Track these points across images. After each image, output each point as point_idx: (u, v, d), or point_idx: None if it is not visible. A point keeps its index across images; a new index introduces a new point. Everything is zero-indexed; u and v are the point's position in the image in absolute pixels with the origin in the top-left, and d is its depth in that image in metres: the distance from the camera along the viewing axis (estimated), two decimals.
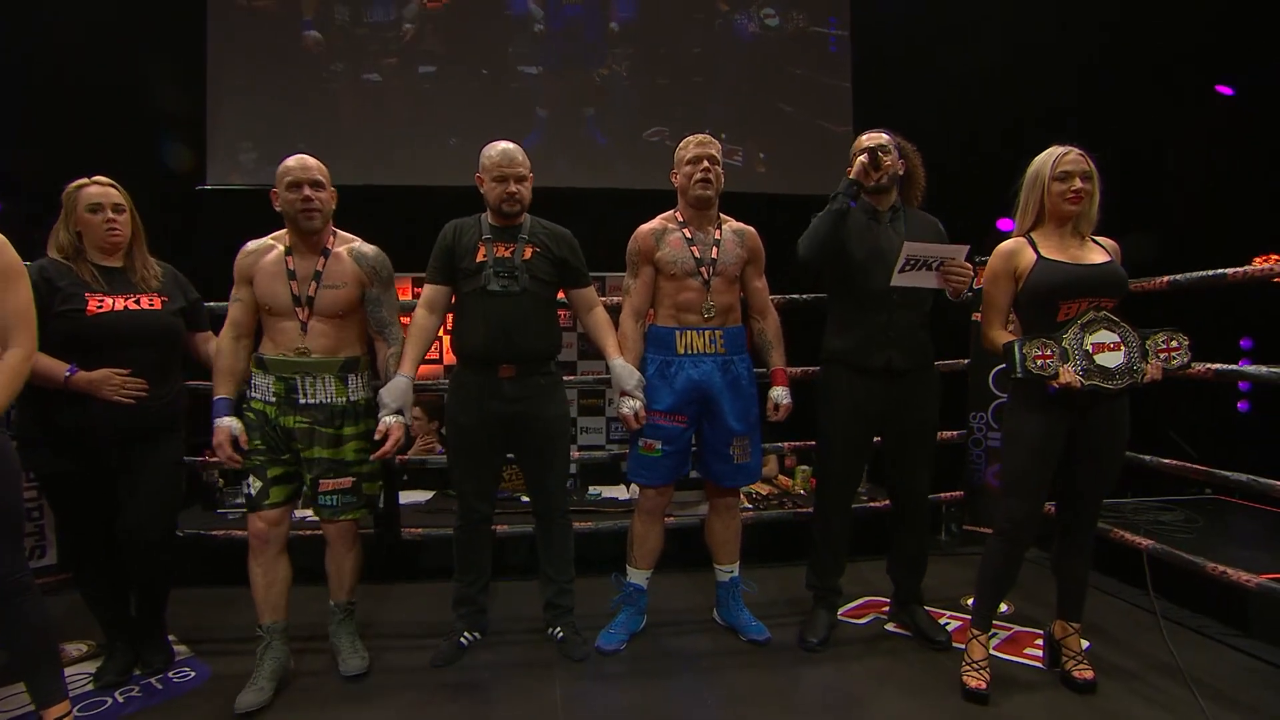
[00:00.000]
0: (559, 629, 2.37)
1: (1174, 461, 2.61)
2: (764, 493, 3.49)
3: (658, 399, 2.30)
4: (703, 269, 2.29)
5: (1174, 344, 1.90)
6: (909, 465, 2.35)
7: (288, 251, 2.13)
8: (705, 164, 2.27)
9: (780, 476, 3.68)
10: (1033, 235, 2.02)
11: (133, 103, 4.00)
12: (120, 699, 2.05)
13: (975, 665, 2.06)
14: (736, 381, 2.34)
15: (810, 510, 2.69)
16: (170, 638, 2.33)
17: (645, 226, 2.37)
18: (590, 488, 3.65)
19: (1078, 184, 1.93)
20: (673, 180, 2.36)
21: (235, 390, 2.14)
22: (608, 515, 3.07)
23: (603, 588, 2.56)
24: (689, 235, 2.31)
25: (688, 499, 3.18)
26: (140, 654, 2.21)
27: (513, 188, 2.19)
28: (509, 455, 2.40)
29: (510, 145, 2.23)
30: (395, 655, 2.32)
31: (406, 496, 3.45)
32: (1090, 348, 1.88)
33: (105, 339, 2.02)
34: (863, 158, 2.17)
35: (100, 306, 2.03)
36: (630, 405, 2.25)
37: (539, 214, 2.34)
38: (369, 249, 2.23)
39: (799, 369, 2.85)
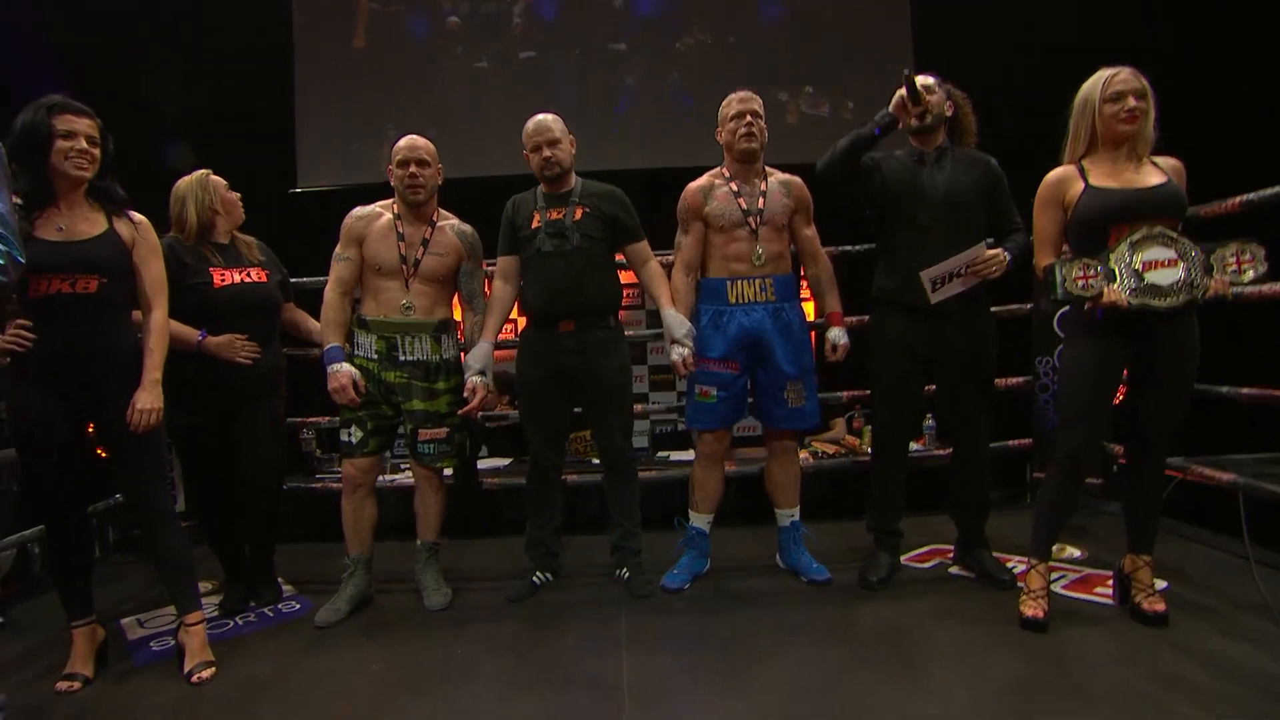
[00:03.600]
0: (625, 569, 2.50)
1: (1256, 390, 2.45)
2: (830, 453, 3.51)
3: (711, 347, 2.39)
4: (750, 219, 2.36)
5: (1246, 256, 1.81)
6: (965, 405, 2.34)
7: (397, 218, 2.37)
8: (748, 118, 2.34)
9: (848, 437, 3.68)
10: (1084, 163, 1.98)
11: (224, 111, 4.38)
12: (240, 622, 2.34)
13: (1033, 594, 2.04)
14: (788, 327, 2.40)
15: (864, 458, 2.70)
16: (279, 579, 2.60)
17: (693, 184, 2.46)
18: (659, 453, 3.79)
19: (1131, 103, 1.88)
20: (718, 139, 2.45)
21: (345, 339, 2.36)
22: (675, 469, 3.19)
23: (667, 543, 2.65)
24: (735, 189, 2.39)
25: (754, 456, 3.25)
26: (254, 590, 2.49)
27: (546, 153, 2.35)
28: (576, 410, 2.56)
29: (543, 115, 2.40)
30: (474, 595, 2.50)
31: (486, 464, 3.68)
32: (1140, 265, 1.83)
33: (228, 308, 2.33)
34: (901, 90, 2.17)
35: (224, 280, 2.34)
36: (679, 352, 2.35)
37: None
38: (467, 227, 2.49)
39: (854, 318, 2.86)
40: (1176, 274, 1.82)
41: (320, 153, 4.83)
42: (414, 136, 2.37)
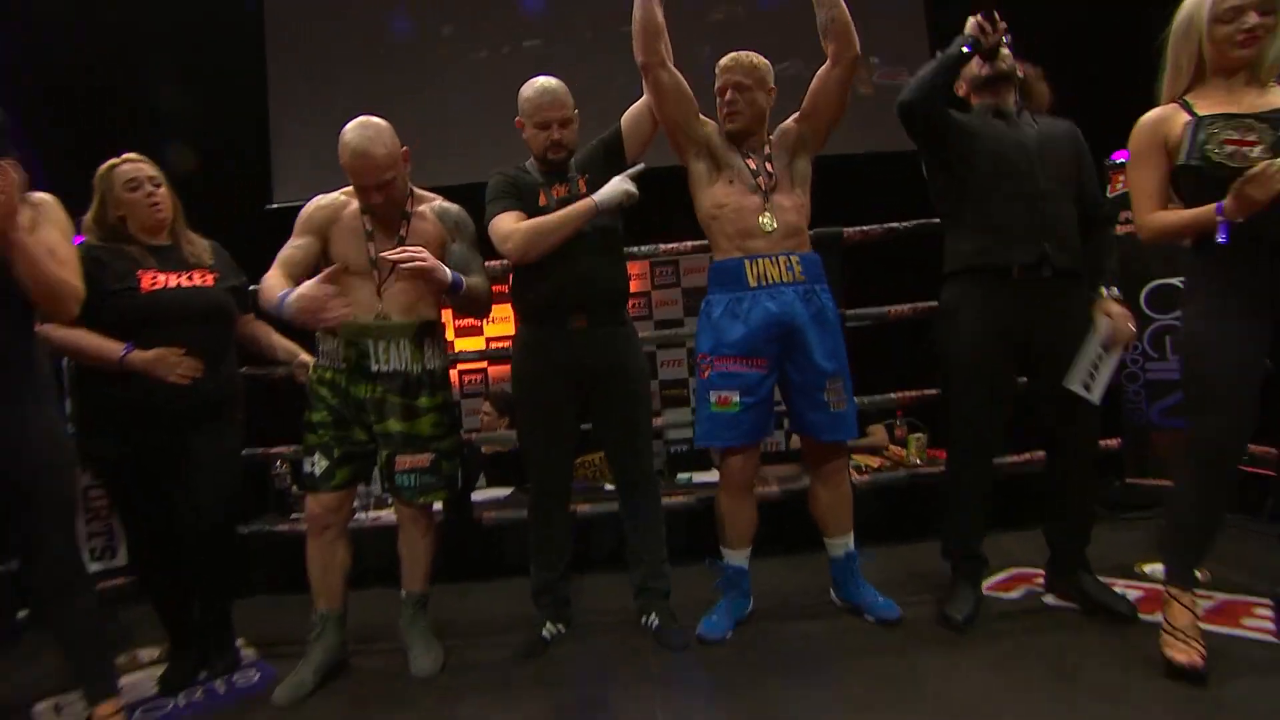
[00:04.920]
0: (653, 615, 2.07)
1: None
2: (875, 465, 3.09)
3: (729, 341, 1.97)
4: (760, 179, 1.99)
5: None
6: (1071, 397, 1.91)
7: (364, 210, 1.96)
8: (730, 94, 1.98)
9: (892, 447, 3.26)
10: (1186, 99, 1.62)
11: (195, 123, 4.05)
12: (182, 702, 1.91)
13: (1180, 634, 1.59)
14: (822, 313, 2.00)
15: (934, 476, 2.30)
16: (239, 641, 2.18)
17: None
18: (679, 475, 3.36)
19: (1253, 20, 1.52)
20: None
21: None
22: (700, 494, 2.77)
23: (698, 578, 2.24)
24: (744, 151, 2.02)
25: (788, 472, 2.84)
26: (205, 658, 2.06)
27: (556, 134, 1.97)
28: (584, 427, 2.14)
29: (550, 82, 1.99)
30: (473, 652, 2.08)
31: (484, 494, 3.26)
32: None
33: (161, 316, 1.94)
34: (976, 16, 1.83)
35: (155, 283, 1.95)
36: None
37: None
38: (453, 206, 2.05)
39: (907, 305, 2.48)
40: None
41: (296, 166, 4.48)
42: (360, 140, 1.83)
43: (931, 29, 4.24)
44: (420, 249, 1.83)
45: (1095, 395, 1.87)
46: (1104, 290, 1.91)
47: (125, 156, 2.02)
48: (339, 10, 4.49)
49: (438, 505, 2.13)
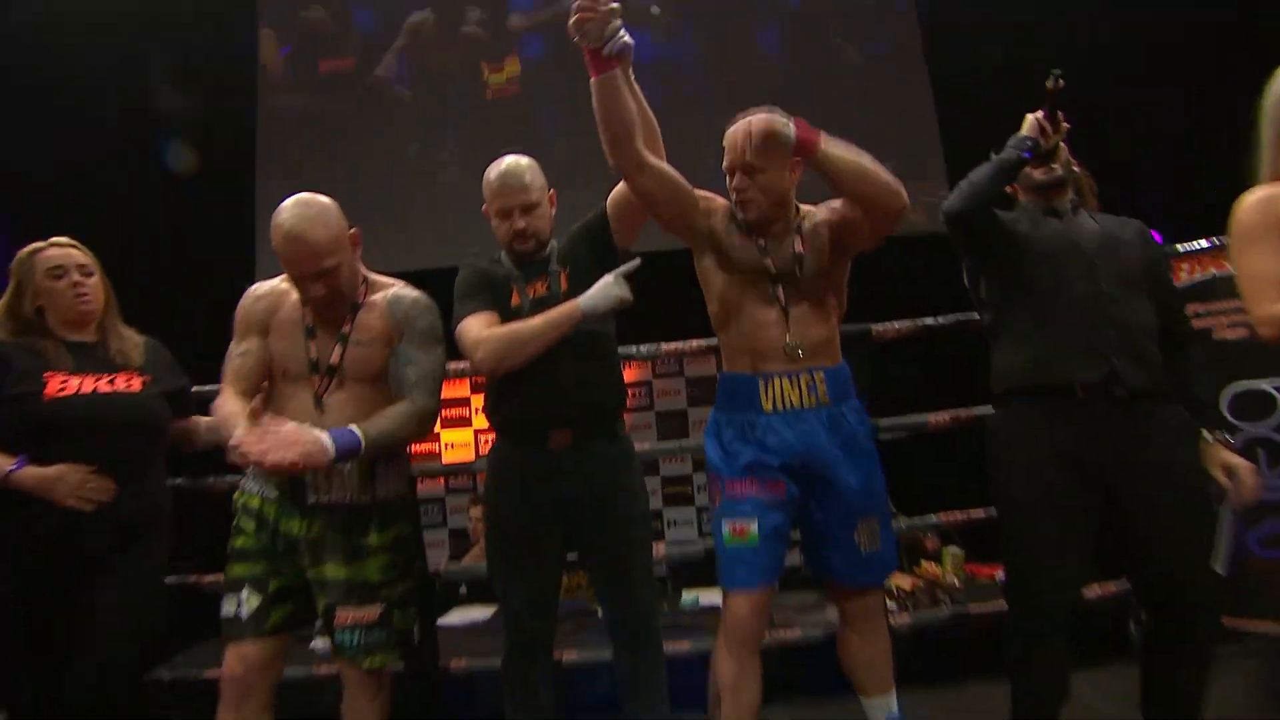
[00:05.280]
0: None
1: None
2: (906, 587, 2.69)
3: (738, 463, 1.62)
4: (779, 289, 1.65)
5: None
6: (1172, 543, 1.57)
7: (305, 302, 1.65)
8: (738, 178, 1.64)
9: (925, 563, 2.88)
10: None
11: (178, 201, 3.89)
12: None
13: None
14: (851, 440, 1.65)
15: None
16: None
17: None
18: (684, 593, 2.96)
19: None
20: None
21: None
22: (709, 631, 2.38)
23: None
24: (762, 245, 1.67)
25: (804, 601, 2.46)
26: None
27: (520, 224, 1.69)
28: (570, 558, 1.81)
29: (516, 164, 1.71)
30: None
31: (462, 614, 2.87)
32: None
33: (66, 426, 1.69)
34: (1037, 114, 1.63)
35: (63, 388, 1.70)
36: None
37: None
38: (409, 294, 1.70)
39: (947, 414, 2.17)
40: None
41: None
42: (297, 221, 1.54)
43: (945, 139, 4.13)
44: (283, 434, 1.43)
45: (1220, 565, 1.59)
46: (1207, 434, 1.64)
47: (52, 241, 1.81)
48: (331, 84, 4.41)
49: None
